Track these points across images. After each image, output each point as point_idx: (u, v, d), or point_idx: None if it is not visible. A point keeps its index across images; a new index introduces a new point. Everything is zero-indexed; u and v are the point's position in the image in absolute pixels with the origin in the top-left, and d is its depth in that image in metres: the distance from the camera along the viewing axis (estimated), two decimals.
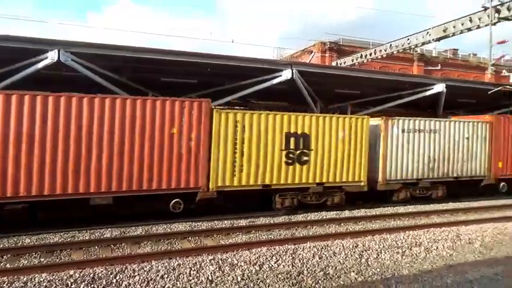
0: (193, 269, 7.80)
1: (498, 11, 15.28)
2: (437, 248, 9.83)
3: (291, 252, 9.03)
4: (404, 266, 8.59)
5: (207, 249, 9.10)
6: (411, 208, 14.84)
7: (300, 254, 8.97)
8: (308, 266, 8.35)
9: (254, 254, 8.79)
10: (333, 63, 25.26)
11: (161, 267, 7.82)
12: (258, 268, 8.08)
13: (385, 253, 9.28)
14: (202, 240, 10.17)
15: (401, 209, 14.50)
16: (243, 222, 11.94)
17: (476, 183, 16.69)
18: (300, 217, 12.94)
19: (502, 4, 15.20)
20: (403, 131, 14.62)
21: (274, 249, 9.15)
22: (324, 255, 8.93)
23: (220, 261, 8.26)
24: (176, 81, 16.15)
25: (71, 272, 7.42)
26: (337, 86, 18.60)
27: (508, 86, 18.60)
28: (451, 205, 15.60)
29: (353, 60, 23.68)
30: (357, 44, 30.01)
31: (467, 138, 15.84)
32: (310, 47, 29.28)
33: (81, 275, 7.34)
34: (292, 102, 22.77)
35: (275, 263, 8.40)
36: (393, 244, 9.93)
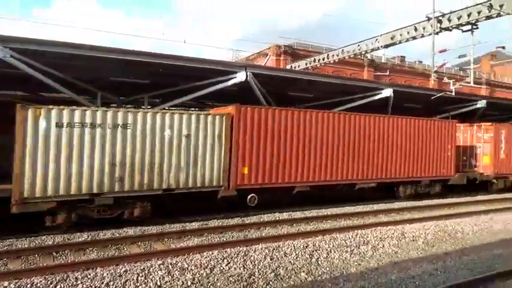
0: (141, 274, 7.54)
1: (440, 22, 16.25)
2: (383, 246, 10.22)
3: (242, 254, 9.00)
4: (352, 265, 8.84)
5: (157, 253, 8.84)
6: (360, 208, 15.37)
7: (251, 255, 8.96)
8: (260, 267, 8.36)
9: (205, 257, 8.67)
10: (288, 67, 25.69)
11: (107, 274, 7.49)
12: (209, 271, 7.96)
13: (335, 252, 9.51)
14: (152, 245, 9.88)
15: (351, 209, 14.96)
16: (195, 225, 11.77)
17: (209, 196, 12.80)
18: (254, 218, 12.98)
19: (443, 15, 16.17)
20: (60, 125, 10.25)
21: (226, 251, 9.09)
22: (275, 256, 8.99)
23: (170, 266, 8.06)
24: (127, 81, 15.64)
25: (6, 284, 6.91)
26: (291, 89, 18.90)
27: (448, 93, 19.79)
28: (396, 204, 16.33)
29: (306, 64, 24.20)
30: (311, 48, 30.74)
31: (187, 135, 12.04)
32: (266, 50, 29.59)
33: (17, 285, 6.87)
34: (246, 104, 22.86)
35: (226, 265, 8.33)
36: (343, 243, 10.21)
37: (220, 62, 15.12)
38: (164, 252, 8.88)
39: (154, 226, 11.39)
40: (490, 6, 13.95)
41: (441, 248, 10.28)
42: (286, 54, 28.82)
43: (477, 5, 14.37)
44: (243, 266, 8.37)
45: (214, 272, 7.98)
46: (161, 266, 8.02)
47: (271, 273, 8.08)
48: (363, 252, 9.65)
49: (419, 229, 11.91)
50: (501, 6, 13.58)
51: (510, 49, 53.97)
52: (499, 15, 14.02)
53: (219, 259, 8.61)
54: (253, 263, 8.52)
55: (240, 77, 15.05)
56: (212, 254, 8.92)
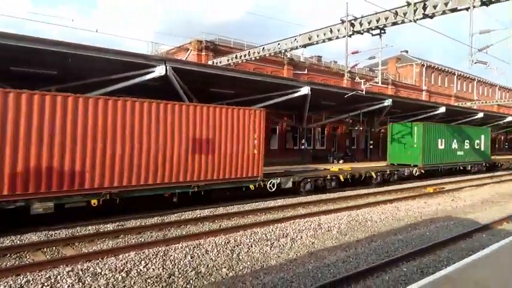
0: (46, 284, 6.87)
1: (353, 25, 17.27)
2: (301, 237, 10.62)
3: (161, 254, 8.70)
4: (272, 257, 9.04)
5: (65, 259, 8.12)
6: (280, 201, 15.81)
7: (171, 255, 8.70)
8: (180, 266, 8.14)
9: (121, 260, 8.21)
10: (209, 62, 25.41)
11: (4, 286, 6.69)
12: (124, 275, 7.54)
13: (255, 246, 9.64)
14: (60, 251, 9.08)
15: (271, 203, 15.32)
16: (110, 227, 11.08)
17: None
18: (173, 217, 12.63)
19: (355, 19, 17.23)
20: None
21: (143, 252, 8.71)
22: (196, 254, 8.83)
23: (80, 272, 7.47)
24: (31, 71, 14.16)
25: None
26: (213, 85, 18.74)
27: (359, 91, 21.24)
28: (314, 197, 17.12)
29: (228, 60, 24.15)
30: (232, 44, 30.80)
31: None
32: (187, 44, 28.93)
33: None
34: (167, 100, 22.18)
35: (144, 267, 7.97)
36: (263, 237, 10.40)
37: (137, 55, 14.36)
38: (74, 258, 8.20)
39: (63, 230, 10.49)
40: (396, 14, 15.19)
41: (353, 236, 10.99)
42: (208, 50, 28.51)
43: (385, 11, 15.54)
44: (162, 266, 8.08)
45: (130, 275, 7.57)
46: (71, 273, 7.40)
47: (191, 271, 7.91)
48: (283, 245, 9.92)
49: (333, 219, 12.61)
50: (405, 14, 14.87)
51: (412, 53, 59.84)
52: (403, 22, 15.32)
53: (136, 261, 8.21)
54: (173, 263, 8.26)
55: (159, 71, 14.50)
56: (128, 256, 8.48)
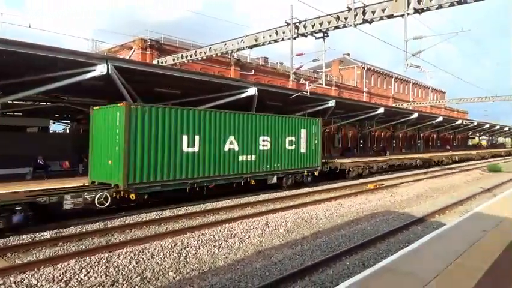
0: None
1: (297, 28, 17.70)
2: (249, 237, 10.69)
3: (104, 261, 8.33)
4: (220, 258, 9.01)
5: None
6: (228, 202, 15.80)
7: (115, 261, 8.36)
8: (124, 273, 7.85)
9: (59, 270, 7.75)
10: (154, 62, 24.77)
11: None
12: (63, 285, 7.14)
13: (203, 248, 9.55)
14: None
15: (219, 204, 15.28)
16: (47, 235, 10.41)
17: None
18: (117, 221, 12.16)
19: (300, 22, 17.68)
20: None
21: (84, 260, 8.28)
22: (141, 259, 8.57)
23: (13, 285, 6.95)
24: None
25: None
26: (158, 84, 18.28)
27: (304, 92, 21.83)
28: (262, 196, 17.31)
29: (174, 60, 23.71)
30: (178, 44, 30.26)
31: None
32: (130, 42, 27.96)
33: None
34: (111, 100, 21.32)
35: (85, 275, 7.59)
36: (211, 238, 10.33)
37: (76, 52, 13.60)
38: (6, 270, 7.60)
39: None
40: (337, 18, 15.82)
41: (299, 233, 11.27)
42: (153, 49, 27.74)
43: (327, 15, 16.11)
44: (105, 273, 7.75)
45: (70, 284, 7.19)
46: (2, 286, 6.85)
47: (137, 277, 7.67)
48: (231, 245, 9.93)
49: (280, 218, 12.84)
50: (346, 18, 15.52)
51: (354, 56, 62.63)
52: (344, 26, 15.99)
53: (76, 270, 7.79)
54: (116, 269, 7.95)
55: (100, 70, 13.87)
56: (68, 265, 8.02)
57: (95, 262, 8.22)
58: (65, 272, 7.66)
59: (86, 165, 17.81)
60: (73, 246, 9.57)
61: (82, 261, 8.20)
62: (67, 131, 32.13)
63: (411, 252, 6.64)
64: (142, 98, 20.01)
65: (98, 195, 12.12)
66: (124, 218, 12.58)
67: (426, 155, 38.36)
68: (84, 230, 10.98)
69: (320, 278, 7.65)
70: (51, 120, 27.06)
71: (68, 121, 30.99)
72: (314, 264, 8.23)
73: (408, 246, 7.05)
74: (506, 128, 74.70)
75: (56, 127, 31.93)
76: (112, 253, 8.83)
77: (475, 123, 58.88)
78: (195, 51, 22.93)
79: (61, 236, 10.30)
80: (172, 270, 8.11)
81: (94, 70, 13.88)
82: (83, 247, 9.48)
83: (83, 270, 7.76)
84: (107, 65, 13.95)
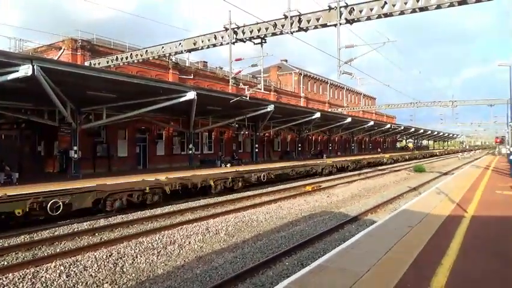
0: None
1: (236, 33, 17.85)
2: (189, 242, 10.51)
3: (30, 276, 7.71)
4: (159, 266, 8.76)
5: None
6: (167, 208, 15.42)
7: (42, 276, 7.78)
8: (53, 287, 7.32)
9: None
10: (86, 63, 23.48)
11: None
12: None
13: (141, 257, 9.22)
14: None
15: (158, 211, 14.85)
16: None
17: None
18: (46, 233, 11.31)
19: (238, 28, 17.86)
20: None
21: (7, 278, 7.59)
22: (73, 272, 8.06)
23: None
24: None
25: None
26: (90, 87, 17.35)
27: (244, 97, 22.05)
28: (203, 201, 17.12)
29: (108, 62, 22.67)
30: (112, 45, 29.00)
31: None
32: (59, 42, 26.21)
33: None
34: (37, 103, 19.86)
35: None
36: (149, 246, 10.01)
37: None
38: None
39: None
40: (275, 25, 16.22)
41: (240, 237, 11.30)
42: (84, 50, 26.25)
43: (265, 22, 16.44)
44: None
45: None
46: None
47: None
48: (170, 252, 9.69)
49: (221, 222, 12.79)
50: (282, 26, 15.97)
51: (292, 62, 64.50)
52: (281, 33, 16.43)
53: None
54: (44, 285, 7.41)
55: (25, 71, 12.86)
56: None
57: (19, 279, 7.58)
58: None
59: (8, 174, 16.39)
60: None
61: (4, 278, 7.51)
62: None
63: (346, 249, 6.96)
64: (73, 101, 18.93)
65: None
66: (54, 229, 11.74)
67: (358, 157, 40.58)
68: (6, 245, 10.06)
69: (260, 279, 7.73)
70: None
71: None
72: (254, 266, 8.30)
73: (343, 244, 7.39)
74: (429, 132, 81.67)
75: None
76: (39, 267, 8.19)
77: (402, 127, 63.54)
78: (131, 54, 22.15)
79: None
80: (107, 282, 7.72)
81: (17, 71, 12.85)
82: (6, 263, 8.68)
83: None
84: (33, 66, 12.97)
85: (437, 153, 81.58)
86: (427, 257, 6.32)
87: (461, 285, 5.22)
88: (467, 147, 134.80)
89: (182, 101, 20.07)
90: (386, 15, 13.80)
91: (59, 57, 25.75)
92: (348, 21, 14.38)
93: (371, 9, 13.85)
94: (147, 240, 10.43)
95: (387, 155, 48.12)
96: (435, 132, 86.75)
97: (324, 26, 14.97)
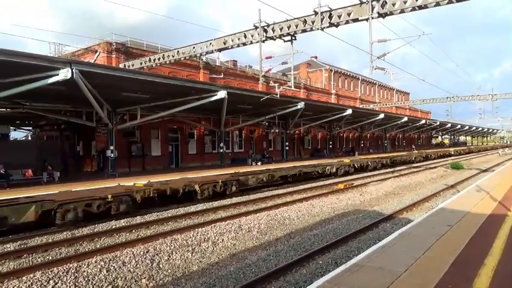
0: None
1: (265, 31, 17.86)
2: (222, 240, 10.64)
3: (73, 271, 8.05)
4: (194, 263, 8.92)
5: None
6: (200, 206, 15.66)
7: (84, 271, 8.10)
8: (94, 282, 7.63)
9: (25, 282, 7.43)
10: (121, 65, 24.22)
11: None
12: None
13: (176, 253, 9.42)
14: None
15: (192, 208, 15.11)
16: (11, 247, 9.94)
17: None
18: (86, 230, 11.78)
19: (268, 26, 17.86)
20: None
21: (52, 271, 7.97)
22: (112, 267, 8.34)
23: None
24: None
25: None
26: (125, 89, 17.90)
27: (274, 95, 22.02)
28: (234, 199, 17.26)
29: (141, 64, 23.28)
30: (145, 47, 29.74)
31: None
32: (95, 46, 27.18)
33: None
34: (75, 105, 20.70)
35: (53, 287, 7.31)
36: (184, 243, 10.20)
37: (37, 56, 13.11)
38: None
39: None
40: (305, 22, 16.08)
41: (272, 235, 11.32)
42: (119, 52, 27.09)
43: (295, 19, 16.34)
44: (74, 284, 7.49)
45: None
46: None
47: (108, 286, 7.49)
48: (204, 249, 9.84)
49: (253, 220, 12.85)
50: (313, 22, 15.82)
51: (322, 59, 63.79)
52: (311, 29, 16.28)
53: (43, 281, 7.49)
54: (86, 279, 7.71)
55: (64, 74, 13.43)
56: (34, 277, 7.69)
57: (63, 273, 7.93)
58: (31, 284, 7.36)
59: (51, 173, 17.18)
60: (38, 258, 9.18)
61: (49, 272, 7.89)
62: (29, 138, 30.84)
63: (382, 248, 6.82)
64: (109, 103, 19.59)
65: None
66: (93, 226, 12.21)
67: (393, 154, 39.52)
68: (50, 241, 10.56)
69: (294, 277, 7.71)
70: (11, 127, 25.90)
71: (30, 128, 29.77)
72: (288, 264, 8.29)
73: (379, 243, 7.25)
74: (467, 127, 78.37)
75: (16, 134, 30.56)
76: (81, 262, 8.55)
77: (438, 123, 61.36)
78: (163, 55, 22.59)
79: (25, 247, 9.87)
80: (144, 277, 7.94)
81: (57, 75, 13.45)
82: (50, 258, 9.12)
83: (51, 282, 7.48)
84: (72, 69, 13.54)
85: (473, 150, 74.32)
86: (469, 257, 6.09)
87: (506, 286, 5.00)
88: (508, 142, 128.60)
89: (214, 100, 20.34)
90: (420, 7, 13.35)
91: (95, 60, 26.71)
92: (380, 15, 14.02)
93: (405, 2, 13.44)
94: (182, 237, 10.64)
95: (415, 152, 45.29)
96: (473, 128, 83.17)
97: (356, 20, 14.66)
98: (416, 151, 44.10)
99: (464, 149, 66.57)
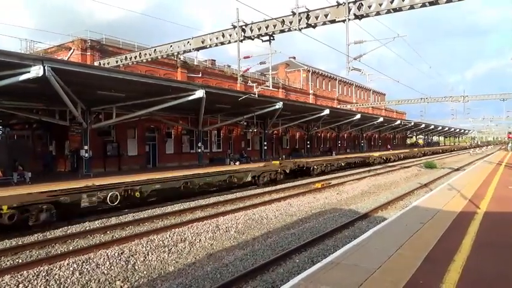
0: None
1: (244, 31, 17.84)
2: (200, 240, 10.56)
3: (44, 274, 7.81)
4: (170, 263, 8.82)
5: None
6: (177, 206, 15.50)
7: (56, 274, 7.87)
8: (66, 285, 7.44)
9: None
10: (96, 63, 23.69)
11: None
12: None
13: (152, 254, 9.29)
14: None
15: (168, 209, 14.94)
16: None
17: None
18: (58, 232, 11.46)
19: (246, 25, 17.84)
20: None
21: (21, 275, 7.70)
22: (85, 270, 8.15)
23: None
24: None
25: None
26: (100, 87, 17.51)
27: (252, 95, 22.03)
28: (212, 199, 17.18)
29: (117, 62, 22.84)
30: (121, 45, 29.20)
31: None
32: (69, 43, 26.47)
33: None
34: (48, 103, 20.10)
35: None
36: (160, 244, 10.07)
37: (6, 53, 12.64)
38: None
39: None
40: (282, 22, 16.16)
41: (250, 234, 11.32)
42: (94, 50, 26.46)
43: (273, 19, 16.39)
44: (45, 287, 7.27)
45: None
46: None
47: None
48: (181, 250, 9.75)
49: (231, 220, 12.81)
50: (290, 22, 15.90)
51: (301, 59, 64.27)
52: (289, 30, 16.37)
53: (12, 285, 7.23)
54: (58, 282, 7.50)
55: (36, 71, 13.01)
56: (2, 281, 7.41)
57: (33, 276, 7.68)
58: None
59: (21, 173, 16.62)
60: (7, 261, 8.86)
61: (19, 276, 7.62)
62: None
63: (357, 246, 6.92)
64: (83, 101, 19.12)
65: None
66: (66, 228, 11.89)
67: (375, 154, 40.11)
68: (20, 243, 10.22)
69: (271, 276, 7.73)
70: None
71: (0, 127, 28.71)
72: (265, 263, 8.30)
73: (354, 241, 7.35)
74: (440, 128, 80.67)
75: None
76: (53, 265, 8.30)
77: (412, 123, 62.86)
78: (140, 53, 22.26)
79: None
80: (119, 279, 7.80)
81: (29, 72, 13.02)
82: (20, 261, 8.83)
83: (20, 286, 7.23)
84: (44, 67, 13.14)
85: (440, 151, 73.47)
86: (439, 254, 6.26)
87: (474, 281, 5.16)
88: (479, 143, 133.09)
89: (191, 99, 20.15)
90: (395, 10, 13.64)
91: (69, 57, 26.03)
92: (357, 17, 14.25)
93: (380, 4, 13.71)
94: (158, 238, 10.49)
95: (376, 154, 41.24)
96: (446, 128, 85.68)
97: (333, 22, 14.85)
98: (376, 154, 40.57)
99: (422, 151, 62.00)
